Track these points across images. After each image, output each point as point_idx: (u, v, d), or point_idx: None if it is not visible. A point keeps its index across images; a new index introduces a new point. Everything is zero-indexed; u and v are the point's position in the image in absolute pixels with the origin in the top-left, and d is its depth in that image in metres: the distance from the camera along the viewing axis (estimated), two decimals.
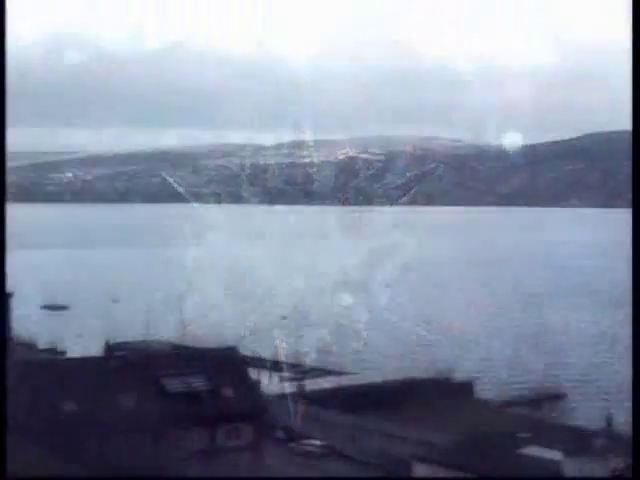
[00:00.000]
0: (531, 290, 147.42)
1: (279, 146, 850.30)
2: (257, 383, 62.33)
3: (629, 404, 77.52)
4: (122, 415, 44.35)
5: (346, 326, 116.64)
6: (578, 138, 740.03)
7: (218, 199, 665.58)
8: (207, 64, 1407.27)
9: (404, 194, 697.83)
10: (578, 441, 53.48)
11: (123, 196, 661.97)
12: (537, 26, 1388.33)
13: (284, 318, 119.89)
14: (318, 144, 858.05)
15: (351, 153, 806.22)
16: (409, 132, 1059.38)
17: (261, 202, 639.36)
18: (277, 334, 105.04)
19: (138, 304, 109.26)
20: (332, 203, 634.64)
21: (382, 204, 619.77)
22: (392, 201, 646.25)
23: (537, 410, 73.65)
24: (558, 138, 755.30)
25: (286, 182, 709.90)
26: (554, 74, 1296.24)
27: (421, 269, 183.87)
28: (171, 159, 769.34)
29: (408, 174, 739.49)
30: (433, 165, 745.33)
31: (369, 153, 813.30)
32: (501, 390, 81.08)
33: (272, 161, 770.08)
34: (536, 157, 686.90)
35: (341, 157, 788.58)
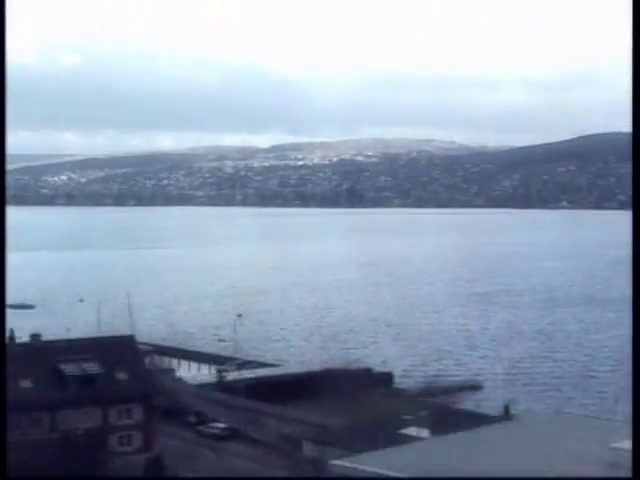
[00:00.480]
0: (461, 291, 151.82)
1: (273, 148, 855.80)
2: (153, 369, 66.69)
3: (532, 389, 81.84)
4: (21, 395, 48.45)
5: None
6: (571, 140, 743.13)
7: (210, 201, 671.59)
8: (204, 66, 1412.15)
9: (396, 196, 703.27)
10: (460, 423, 57.54)
11: (116, 199, 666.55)
12: (534, 29, 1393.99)
13: (239, 316, 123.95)
14: (313, 146, 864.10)
15: (345, 156, 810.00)
16: (406, 134, 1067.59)
17: (251, 204, 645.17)
18: (226, 330, 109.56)
19: (104, 304, 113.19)
20: (322, 205, 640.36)
21: (372, 206, 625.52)
22: (382, 203, 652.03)
23: (450, 399, 77.28)
24: (555, 140, 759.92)
25: (279, 184, 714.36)
26: (550, 77, 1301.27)
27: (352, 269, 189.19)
28: (166, 161, 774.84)
29: (401, 176, 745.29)
30: (427, 167, 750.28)
31: (364, 155, 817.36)
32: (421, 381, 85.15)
33: (266, 163, 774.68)
34: (529, 159, 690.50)
35: (335, 160, 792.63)
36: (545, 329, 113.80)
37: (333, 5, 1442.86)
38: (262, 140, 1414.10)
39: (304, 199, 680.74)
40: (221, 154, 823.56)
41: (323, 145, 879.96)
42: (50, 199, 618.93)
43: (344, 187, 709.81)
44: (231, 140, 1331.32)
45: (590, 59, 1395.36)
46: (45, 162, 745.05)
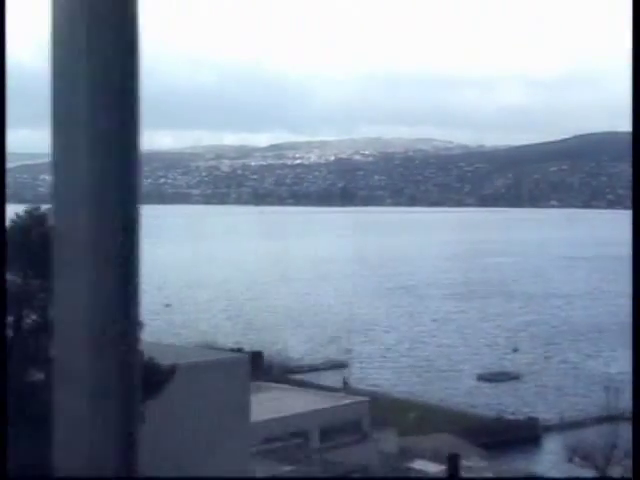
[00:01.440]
0: (400, 284, 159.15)
1: (272, 147, 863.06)
2: None
3: (394, 366, 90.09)
4: None
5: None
6: (567, 139, 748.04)
7: (205, 200, 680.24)
8: (202, 66, 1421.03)
9: (389, 195, 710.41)
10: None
11: None
12: (535, 30, 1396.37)
13: (167, 306, 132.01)
14: (311, 145, 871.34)
15: (343, 155, 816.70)
16: (405, 134, 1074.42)
17: (246, 203, 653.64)
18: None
19: None
20: (315, 204, 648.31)
21: (365, 205, 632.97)
22: (374, 202, 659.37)
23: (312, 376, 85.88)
24: (552, 139, 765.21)
25: (275, 183, 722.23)
26: (550, 77, 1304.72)
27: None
28: (163, 160, 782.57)
29: (395, 175, 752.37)
30: (421, 166, 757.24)
31: (361, 154, 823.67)
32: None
33: (263, 162, 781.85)
34: (524, 158, 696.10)
35: (332, 158, 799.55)
36: (442, 318, 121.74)
37: (332, 4, 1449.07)
38: (261, 139, 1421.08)
39: (298, 198, 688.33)
40: (219, 153, 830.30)
41: (321, 144, 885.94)
42: (46, 198, 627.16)
43: (338, 186, 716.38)
44: (231, 139, 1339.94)
45: (589, 59, 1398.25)
46: (44, 160, 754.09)
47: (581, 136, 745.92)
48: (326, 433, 42.02)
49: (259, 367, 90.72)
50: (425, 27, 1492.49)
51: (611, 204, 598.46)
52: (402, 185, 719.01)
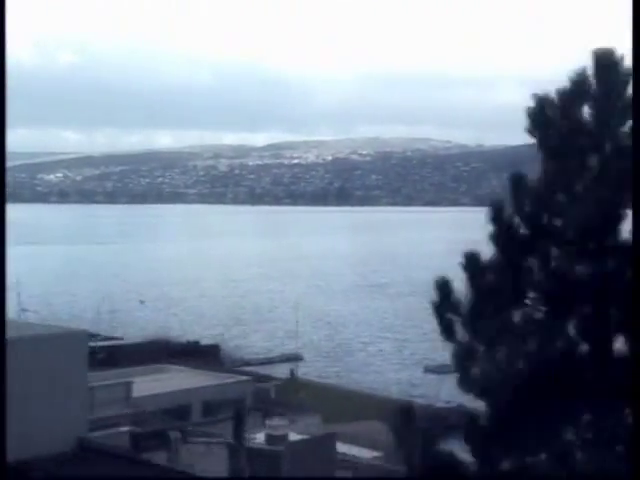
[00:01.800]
0: (373, 282, 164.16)
1: (270, 147, 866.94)
2: None
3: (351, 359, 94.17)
4: None
5: None
6: None
7: (202, 199, 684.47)
8: (201, 66, 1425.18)
9: (385, 195, 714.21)
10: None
11: (109, 196, 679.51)
12: (533, 29, 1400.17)
13: (142, 302, 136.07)
14: (309, 145, 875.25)
15: (341, 154, 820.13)
16: (404, 133, 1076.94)
17: (242, 202, 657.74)
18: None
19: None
20: (312, 203, 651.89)
21: (361, 204, 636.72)
22: (370, 202, 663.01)
23: (262, 368, 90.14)
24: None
25: (272, 183, 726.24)
26: (549, 75, 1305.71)
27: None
28: (162, 159, 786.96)
29: (392, 174, 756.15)
30: (418, 166, 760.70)
31: (358, 154, 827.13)
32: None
33: (261, 162, 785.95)
34: (521, 158, 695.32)
35: (330, 158, 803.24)
36: (402, 315, 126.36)
37: (330, 3, 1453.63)
38: (260, 138, 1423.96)
39: (294, 197, 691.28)
40: (218, 152, 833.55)
41: (320, 144, 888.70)
42: (44, 196, 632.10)
43: (335, 185, 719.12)
44: (230, 139, 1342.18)
45: (589, 58, 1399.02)
46: (43, 160, 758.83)
47: None
48: (208, 408, 46.40)
49: (215, 358, 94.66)
50: (423, 27, 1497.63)
51: None
52: (398, 185, 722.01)
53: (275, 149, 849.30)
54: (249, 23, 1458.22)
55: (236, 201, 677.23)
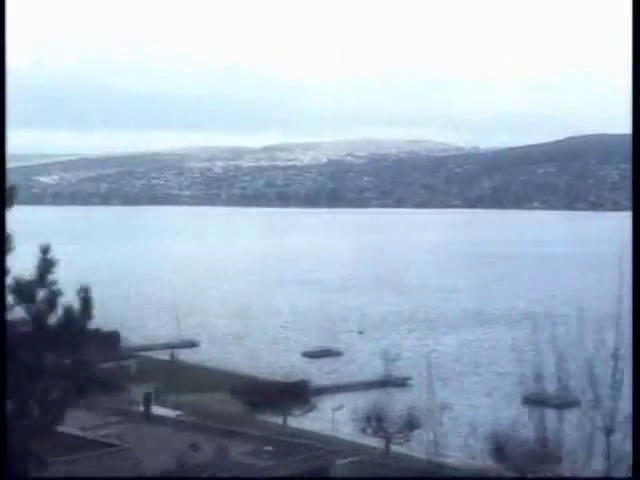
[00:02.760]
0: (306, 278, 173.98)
1: (265, 149, 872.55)
2: None
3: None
4: None
5: None
6: (558, 141, 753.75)
7: (195, 201, 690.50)
8: (198, 68, 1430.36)
9: (376, 197, 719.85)
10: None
11: (104, 198, 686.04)
12: (530, 30, 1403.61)
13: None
14: (304, 147, 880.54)
15: (336, 157, 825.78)
16: (400, 135, 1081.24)
17: (235, 204, 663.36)
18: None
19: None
20: (304, 205, 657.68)
21: (352, 207, 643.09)
22: (361, 204, 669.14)
23: (160, 353, 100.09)
24: (545, 140, 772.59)
25: (265, 185, 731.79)
26: (546, 79, 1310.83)
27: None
28: (158, 161, 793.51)
29: (384, 177, 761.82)
30: (411, 168, 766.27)
31: (353, 156, 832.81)
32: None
33: (255, 164, 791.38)
34: (514, 160, 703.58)
35: (324, 160, 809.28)
36: (316, 307, 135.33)
37: (325, 5, 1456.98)
38: (257, 141, 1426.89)
39: (287, 199, 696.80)
40: (214, 154, 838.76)
41: (316, 146, 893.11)
42: (39, 199, 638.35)
43: (328, 187, 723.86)
44: (227, 141, 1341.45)
45: (588, 61, 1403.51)
46: (38, 162, 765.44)
47: (573, 138, 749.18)
48: None
49: (114, 345, 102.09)
50: (421, 29, 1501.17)
51: (594, 206, 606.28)
52: (390, 187, 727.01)
53: (271, 151, 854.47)
54: (245, 25, 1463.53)
55: (229, 203, 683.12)
